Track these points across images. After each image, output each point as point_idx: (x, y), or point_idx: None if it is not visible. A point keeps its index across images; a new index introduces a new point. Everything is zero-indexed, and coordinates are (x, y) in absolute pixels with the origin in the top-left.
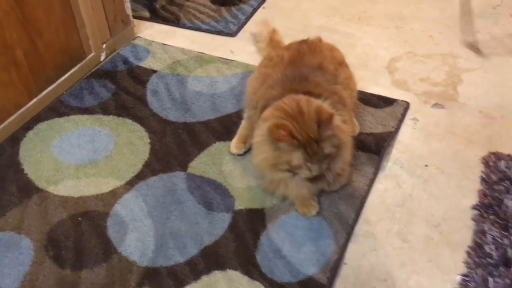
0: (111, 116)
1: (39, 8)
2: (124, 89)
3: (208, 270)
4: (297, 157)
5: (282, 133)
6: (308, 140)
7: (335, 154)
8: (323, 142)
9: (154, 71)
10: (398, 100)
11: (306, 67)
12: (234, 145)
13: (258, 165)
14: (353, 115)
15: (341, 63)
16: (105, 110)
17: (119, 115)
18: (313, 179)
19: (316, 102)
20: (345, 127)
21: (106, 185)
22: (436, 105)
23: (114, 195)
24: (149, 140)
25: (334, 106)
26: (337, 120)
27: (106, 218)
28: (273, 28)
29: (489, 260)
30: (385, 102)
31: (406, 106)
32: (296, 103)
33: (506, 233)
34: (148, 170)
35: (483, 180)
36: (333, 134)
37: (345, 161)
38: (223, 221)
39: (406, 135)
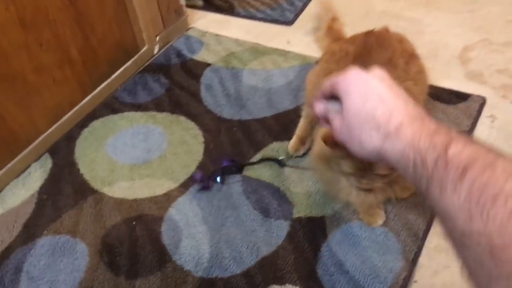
0: (164, 113)
1: (92, 3)
2: (178, 84)
3: (265, 284)
4: (346, 165)
5: (328, 135)
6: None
7: (395, 179)
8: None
9: (208, 65)
10: (473, 95)
11: (375, 63)
12: (292, 146)
13: (314, 155)
14: None
15: (412, 55)
16: (159, 107)
17: (173, 112)
18: (369, 190)
19: None
20: None
21: (160, 187)
22: None
23: (168, 198)
24: (203, 139)
25: None
26: None
27: (161, 223)
28: (334, 15)
29: None
30: (457, 97)
31: (482, 101)
32: None
33: None
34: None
35: None
36: None
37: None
38: (280, 229)
39: (482, 135)
